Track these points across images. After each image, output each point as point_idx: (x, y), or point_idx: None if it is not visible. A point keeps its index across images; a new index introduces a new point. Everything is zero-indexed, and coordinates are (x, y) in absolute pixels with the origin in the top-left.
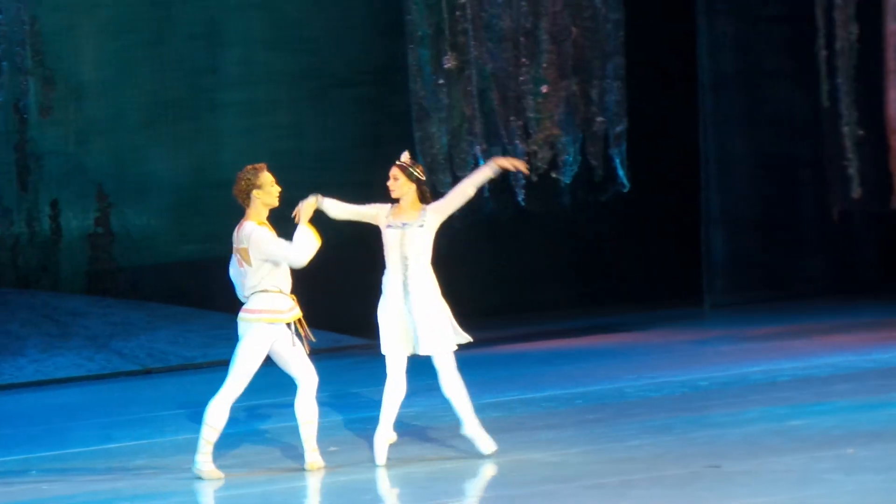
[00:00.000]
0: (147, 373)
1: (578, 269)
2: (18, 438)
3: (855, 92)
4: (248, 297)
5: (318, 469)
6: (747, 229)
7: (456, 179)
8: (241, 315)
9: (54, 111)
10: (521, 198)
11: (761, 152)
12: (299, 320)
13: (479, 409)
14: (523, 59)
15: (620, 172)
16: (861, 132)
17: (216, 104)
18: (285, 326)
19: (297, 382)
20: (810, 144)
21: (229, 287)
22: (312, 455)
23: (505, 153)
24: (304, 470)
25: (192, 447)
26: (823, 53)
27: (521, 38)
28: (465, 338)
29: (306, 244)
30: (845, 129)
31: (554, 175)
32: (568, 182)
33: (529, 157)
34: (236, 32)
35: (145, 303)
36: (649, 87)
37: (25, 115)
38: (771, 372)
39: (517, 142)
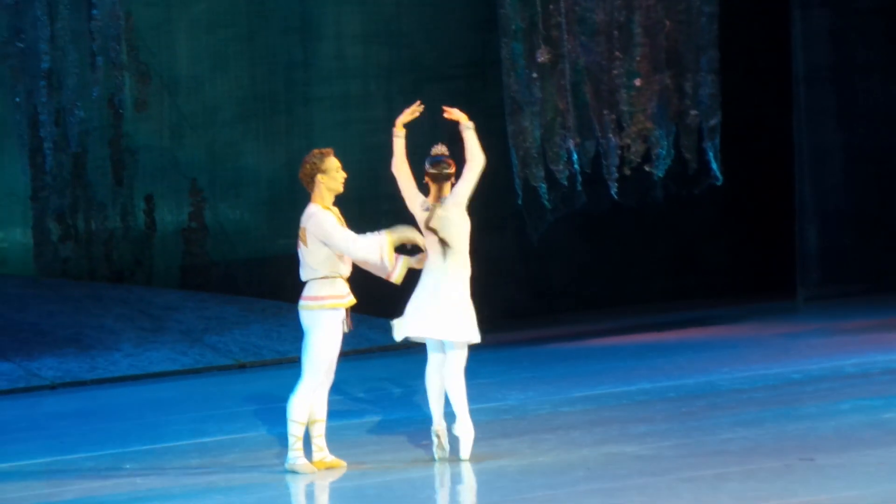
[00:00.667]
0: (240, 367)
1: (671, 263)
2: (112, 433)
3: None
4: (307, 282)
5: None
6: (841, 222)
7: (549, 173)
8: (303, 303)
9: (149, 106)
10: (614, 191)
11: (855, 145)
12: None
13: (573, 402)
14: (617, 53)
15: (714, 166)
16: None
17: (309, 98)
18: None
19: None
20: None
21: None
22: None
23: (598, 147)
24: (400, 463)
25: (284, 442)
26: None
27: (615, 32)
28: (477, 338)
29: (367, 250)
30: None
31: (647, 168)
32: (661, 175)
33: (622, 151)
34: (330, 26)
35: (238, 297)
36: (743, 81)
37: (121, 111)
38: (864, 364)
39: (610, 135)
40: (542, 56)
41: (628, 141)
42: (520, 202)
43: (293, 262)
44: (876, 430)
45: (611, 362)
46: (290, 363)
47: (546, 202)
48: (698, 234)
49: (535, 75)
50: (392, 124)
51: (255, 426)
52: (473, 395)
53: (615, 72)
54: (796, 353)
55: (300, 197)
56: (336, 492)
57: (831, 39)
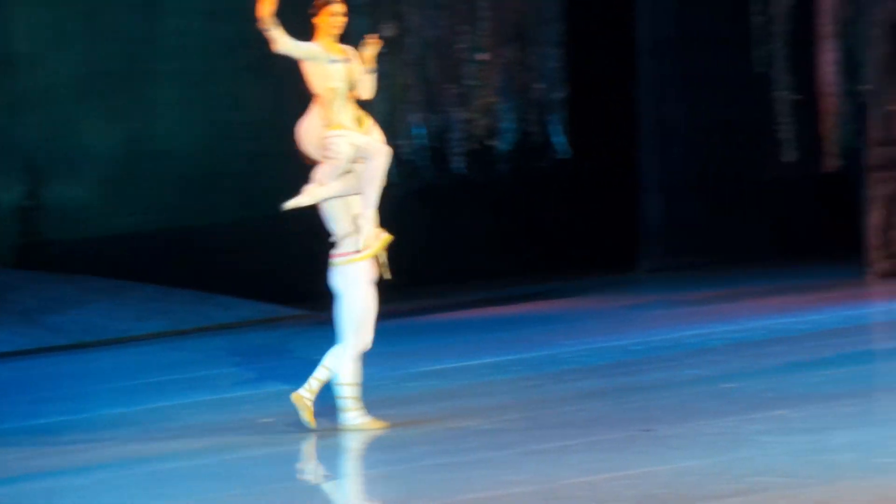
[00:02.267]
0: (80, 347)
1: (517, 237)
2: None
3: (790, 57)
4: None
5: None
6: (684, 195)
7: (394, 148)
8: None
9: None
10: (459, 166)
11: (699, 117)
12: None
13: (417, 378)
14: (461, 27)
15: (559, 139)
16: (795, 97)
17: (152, 75)
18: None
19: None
20: (746, 109)
21: (163, 259)
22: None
23: (442, 121)
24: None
25: (125, 421)
26: (759, 19)
27: (460, 5)
28: None
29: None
30: (779, 94)
31: (492, 143)
32: (506, 149)
33: (467, 126)
34: (173, 2)
35: (77, 276)
36: (588, 54)
37: None
38: (704, 336)
39: (455, 110)
40: (387, 31)
41: (473, 115)
42: None
43: (133, 240)
44: (715, 400)
45: (455, 337)
46: (130, 342)
47: (392, 177)
48: (543, 208)
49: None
50: (236, 101)
51: (94, 407)
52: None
53: (460, 46)
54: (638, 325)
55: (141, 175)
56: (175, 472)
57: (675, 12)
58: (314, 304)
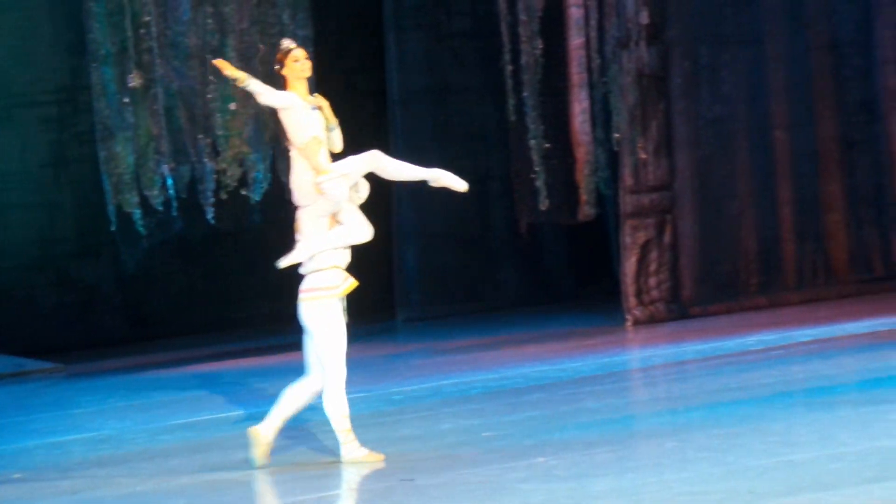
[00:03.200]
0: None
1: (273, 286)
2: None
3: (541, 106)
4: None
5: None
6: (440, 243)
7: (144, 199)
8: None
9: None
10: (210, 216)
11: (453, 166)
12: None
13: (171, 431)
14: (211, 77)
15: None
16: (547, 145)
17: None
18: None
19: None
20: (501, 158)
21: None
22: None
23: (193, 171)
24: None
25: None
26: (509, 68)
27: (208, 56)
28: None
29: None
30: (532, 143)
31: (244, 192)
32: (258, 199)
33: (218, 176)
34: None
35: None
36: (340, 104)
37: None
38: (464, 384)
39: (206, 160)
40: (134, 81)
41: (224, 165)
42: (113, 228)
43: None
44: (475, 448)
45: (211, 388)
46: None
47: (141, 228)
48: None
49: (126, 100)
50: None
51: None
52: (68, 427)
53: (210, 96)
54: (396, 374)
55: None
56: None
57: (426, 62)
58: (62, 357)
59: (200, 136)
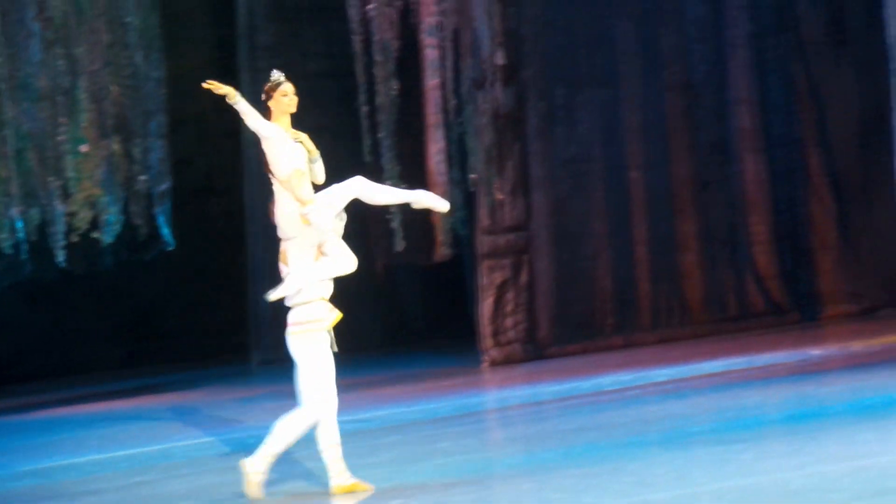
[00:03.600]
0: None
1: (126, 329)
2: None
3: (397, 146)
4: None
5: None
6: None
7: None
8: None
9: None
10: (61, 259)
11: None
12: None
13: (19, 477)
14: (62, 119)
15: (165, 231)
16: (403, 186)
17: None
18: None
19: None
20: (356, 199)
21: None
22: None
23: (44, 214)
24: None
25: None
26: (365, 109)
27: (59, 97)
28: None
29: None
30: (388, 183)
31: (95, 235)
32: (110, 241)
33: (69, 219)
34: None
35: None
36: (194, 145)
37: None
38: None
39: (56, 202)
40: None
41: (75, 208)
42: None
43: None
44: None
45: (60, 433)
46: None
47: None
48: (153, 299)
49: None
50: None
51: None
52: None
53: (60, 138)
54: (250, 417)
55: None
56: None
57: None
58: None
59: (51, 178)
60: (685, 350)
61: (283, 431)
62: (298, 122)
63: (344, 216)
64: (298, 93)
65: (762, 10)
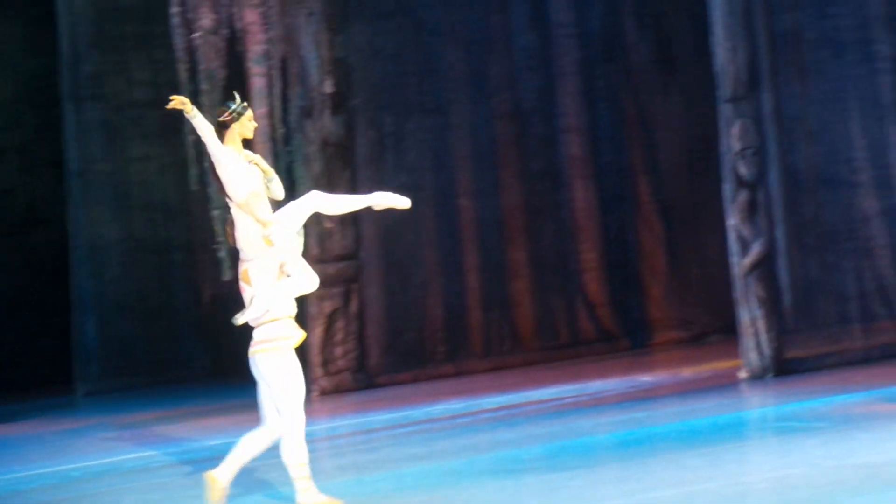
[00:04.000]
0: None
1: None
2: None
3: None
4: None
5: None
6: (121, 314)
7: None
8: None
9: None
10: None
11: (134, 237)
12: None
13: None
14: None
15: None
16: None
17: None
18: None
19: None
20: (183, 228)
21: None
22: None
23: None
24: None
25: None
26: (191, 138)
27: None
28: None
29: None
30: (215, 213)
31: None
32: None
33: None
34: None
35: None
36: (16, 175)
37: None
38: (146, 458)
39: None
40: None
41: None
42: None
43: None
44: None
45: None
46: None
47: None
48: None
49: None
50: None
51: None
52: None
53: None
54: (76, 449)
55: None
56: None
57: (105, 132)
58: None
59: None
60: (517, 378)
61: (249, 444)
62: (123, 150)
63: (303, 233)
64: (122, 122)
65: (591, 38)
